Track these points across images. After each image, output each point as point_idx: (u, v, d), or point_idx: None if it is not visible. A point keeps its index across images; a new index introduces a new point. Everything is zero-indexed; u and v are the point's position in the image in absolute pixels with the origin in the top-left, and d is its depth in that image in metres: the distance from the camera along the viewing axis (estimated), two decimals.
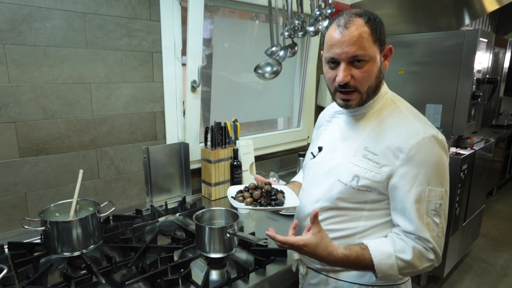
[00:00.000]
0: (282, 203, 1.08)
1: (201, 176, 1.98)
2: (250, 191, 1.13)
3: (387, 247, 0.96)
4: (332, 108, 1.21)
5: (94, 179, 1.65)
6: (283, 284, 1.28)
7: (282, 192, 1.14)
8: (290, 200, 1.11)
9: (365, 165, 0.99)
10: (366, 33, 0.93)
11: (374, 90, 1.01)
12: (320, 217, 1.05)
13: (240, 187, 1.18)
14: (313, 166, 1.16)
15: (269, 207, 1.07)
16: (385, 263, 0.94)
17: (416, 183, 0.93)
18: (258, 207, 1.07)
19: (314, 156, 1.17)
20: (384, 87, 1.07)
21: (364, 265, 0.96)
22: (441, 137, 0.96)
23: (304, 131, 2.67)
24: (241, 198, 1.10)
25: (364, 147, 1.01)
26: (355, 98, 1.00)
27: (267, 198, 1.09)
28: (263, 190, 1.11)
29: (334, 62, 0.98)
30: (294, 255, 1.27)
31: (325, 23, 1.80)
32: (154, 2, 1.69)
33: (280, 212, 1.44)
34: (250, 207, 1.07)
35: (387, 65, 1.02)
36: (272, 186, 1.15)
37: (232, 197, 1.14)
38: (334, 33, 0.96)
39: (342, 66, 0.96)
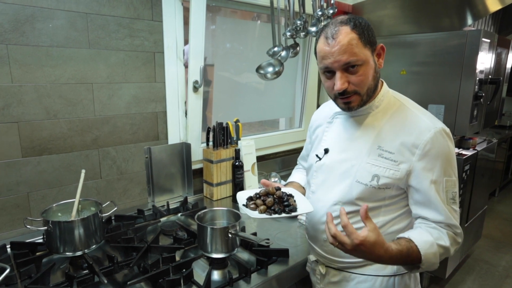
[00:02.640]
0: (295, 209, 1.06)
1: (203, 176, 1.98)
2: (262, 198, 1.10)
3: (427, 236, 0.98)
4: (330, 109, 1.22)
5: (96, 179, 1.65)
6: (285, 284, 1.27)
7: (291, 195, 1.12)
8: (302, 204, 1.09)
9: (382, 164, 1.02)
10: (354, 39, 0.96)
11: (373, 90, 1.04)
12: (339, 220, 1.06)
13: (249, 192, 1.15)
14: (321, 169, 1.15)
15: (283, 214, 1.04)
16: (430, 252, 0.96)
17: (434, 176, 0.99)
18: (273, 215, 1.04)
19: (320, 159, 1.16)
20: (385, 87, 1.10)
21: (413, 258, 0.95)
22: (448, 129, 1.03)
23: (306, 131, 2.65)
24: (253, 206, 1.08)
25: (377, 147, 1.04)
26: (355, 99, 1.03)
27: (280, 204, 1.07)
28: (275, 196, 1.09)
29: (330, 72, 1.01)
30: (310, 257, 1.27)
31: None
32: (156, 2, 1.69)
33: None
34: (264, 215, 1.04)
35: (382, 63, 1.05)
36: (282, 190, 1.13)
37: (243, 204, 1.11)
38: (324, 45, 0.99)
39: (338, 74, 0.99)
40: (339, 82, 0.98)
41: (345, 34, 0.96)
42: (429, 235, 0.98)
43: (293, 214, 1.05)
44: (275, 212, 1.05)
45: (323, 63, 1.00)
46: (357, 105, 1.04)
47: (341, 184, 1.09)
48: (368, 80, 1.00)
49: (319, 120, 1.27)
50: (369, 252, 0.90)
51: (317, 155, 1.18)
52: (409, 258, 0.95)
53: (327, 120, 1.21)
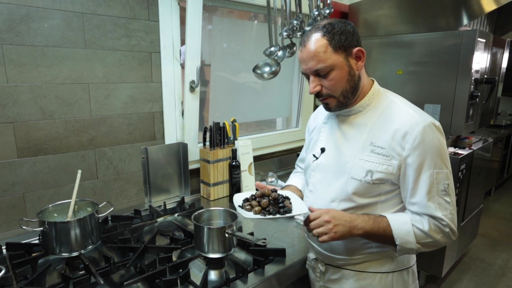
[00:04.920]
0: (290, 210, 1.08)
1: (200, 176, 1.98)
2: (257, 199, 1.11)
3: (403, 216, 1.05)
4: (325, 110, 1.23)
5: (93, 179, 1.65)
6: (282, 284, 1.28)
7: (288, 198, 1.14)
8: (297, 206, 1.11)
9: (375, 159, 1.05)
10: (322, 46, 1.01)
11: (352, 91, 1.07)
12: None
13: (246, 194, 1.17)
14: (318, 168, 1.18)
15: (278, 215, 1.06)
16: (402, 229, 1.01)
17: (423, 168, 1.01)
18: (267, 216, 1.06)
19: (317, 158, 1.19)
20: (375, 85, 1.13)
21: (384, 228, 1.02)
22: (438, 123, 1.05)
23: (302, 131, 2.67)
24: (248, 207, 1.10)
25: (370, 143, 1.06)
26: (330, 102, 1.09)
27: (275, 205, 1.09)
28: (270, 197, 1.11)
29: (307, 75, 1.08)
30: (309, 255, 1.28)
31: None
32: (152, 2, 1.69)
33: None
34: (259, 216, 1.07)
35: (362, 65, 1.07)
36: (278, 192, 1.15)
37: (239, 206, 1.13)
38: (299, 51, 1.07)
39: (311, 78, 1.06)
40: (311, 86, 1.06)
41: (314, 42, 1.02)
42: (407, 216, 1.04)
43: (287, 215, 1.07)
44: (270, 213, 1.07)
45: (301, 67, 1.08)
46: (334, 106, 1.09)
47: (337, 182, 1.11)
48: (341, 84, 1.04)
49: (316, 121, 1.30)
50: (339, 216, 1.01)
51: (314, 155, 1.20)
52: (379, 227, 1.02)
53: (323, 121, 1.24)
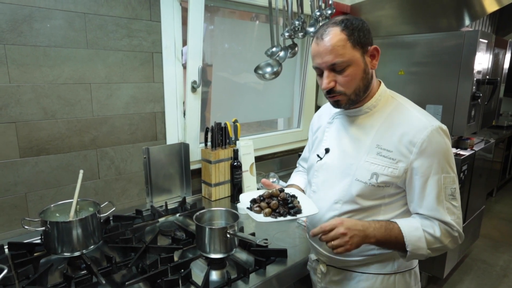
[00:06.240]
0: (300, 211, 1.05)
1: (201, 177, 1.98)
2: (266, 200, 1.08)
3: (414, 222, 1.03)
4: (330, 110, 1.24)
5: (95, 179, 1.65)
6: (284, 284, 1.28)
7: (295, 196, 1.11)
8: (306, 205, 1.08)
9: (381, 162, 1.04)
10: (342, 41, 0.99)
11: (364, 90, 1.06)
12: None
13: (253, 194, 1.13)
14: (322, 168, 1.17)
15: (289, 217, 1.03)
16: (414, 235, 1.00)
17: (431, 173, 1.00)
18: (278, 218, 1.02)
19: (321, 158, 1.18)
20: (382, 86, 1.12)
21: (395, 235, 1.00)
22: (444, 126, 1.04)
23: (304, 131, 2.67)
24: (257, 209, 1.06)
25: (376, 145, 1.05)
26: (342, 99, 1.06)
27: (284, 206, 1.06)
28: (279, 198, 1.08)
29: (320, 71, 1.05)
30: (311, 256, 1.27)
31: None
32: (154, 2, 1.69)
33: None
34: (269, 218, 1.03)
35: (375, 64, 1.06)
36: (285, 191, 1.12)
37: (247, 207, 1.09)
38: (314, 44, 1.04)
39: (325, 74, 1.03)
40: (325, 81, 1.02)
41: (333, 35, 0.99)
42: (417, 222, 1.02)
43: (299, 216, 1.04)
44: (280, 215, 1.03)
45: (314, 62, 1.05)
46: (345, 104, 1.06)
47: (341, 183, 1.10)
48: (356, 81, 1.02)
49: (320, 121, 1.28)
50: (353, 224, 0.99)
51: (318, 155, 1.19)
52: (392, 233, 1.00)
53: (327, 120, 1.23)
